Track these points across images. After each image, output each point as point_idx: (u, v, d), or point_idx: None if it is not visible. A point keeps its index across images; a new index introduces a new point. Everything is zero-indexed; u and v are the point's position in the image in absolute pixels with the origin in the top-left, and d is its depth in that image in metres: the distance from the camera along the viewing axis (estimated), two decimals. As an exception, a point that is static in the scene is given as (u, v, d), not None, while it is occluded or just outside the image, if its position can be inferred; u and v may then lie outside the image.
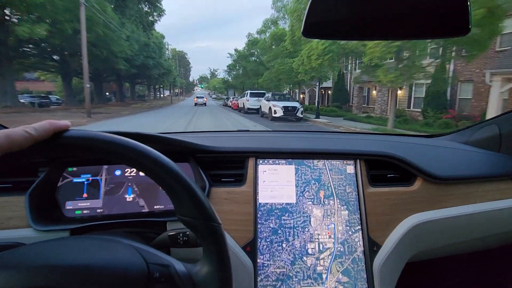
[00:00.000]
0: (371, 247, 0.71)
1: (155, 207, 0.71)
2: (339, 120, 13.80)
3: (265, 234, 0.70)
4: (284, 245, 0.70)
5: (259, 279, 0.67)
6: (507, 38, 9.82)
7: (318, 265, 0.69)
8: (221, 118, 15.07)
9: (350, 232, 0.72)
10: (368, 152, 0.78)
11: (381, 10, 0.49)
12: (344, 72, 20.07)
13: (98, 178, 0.71)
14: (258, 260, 0.68)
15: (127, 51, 19.39)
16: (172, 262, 0.39)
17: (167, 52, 44.01)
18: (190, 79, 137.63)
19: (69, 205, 0.68)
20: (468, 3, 0.47)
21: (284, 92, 20.00)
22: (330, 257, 0.70)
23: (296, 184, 0.74)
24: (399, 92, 16.00)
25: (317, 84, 15.61)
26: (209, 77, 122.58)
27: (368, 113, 16.83)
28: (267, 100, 14.37)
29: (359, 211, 0.73)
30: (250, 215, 0.70)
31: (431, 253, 0.82)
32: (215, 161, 0.76)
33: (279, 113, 12.78)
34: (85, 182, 0.70)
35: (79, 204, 0.69)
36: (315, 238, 0.71)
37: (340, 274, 0.69)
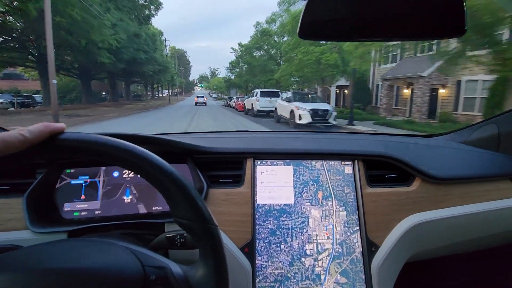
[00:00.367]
0: (370, 247, 0.70)
1: (153, 208, 0.71)
2: (375, 127, 10.47)
3: (263, 235, 0.70)
4: (282, 246, 0.70)
5: (257, 280, 0.67)
6: None
7: (317, 266, 0.69)
8: (229, 126, 11.62)
9: (348, 233, 0.72)
10: (366, 153, 0.78)
11: (379, 10, 0.50)
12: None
13: (96, 179, 0.71)
14: (256, 261, 0.68)
15: (111, 41, 15.93)
16: (168, 264, 0.39)
17: (165, 49, 41.20)
18: (190, 79, 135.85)
19: (67, 207, 0.68)
20: (464, 5, 0.47)
21: (307, 91, 16.41)
22: (328, 258, 0.70)
23: (294, 185, 0.74)
24: (442, 91, 12.92)
25: (349, 80, 12.32)
26: (209, 76, 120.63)
27: (397, 115, 14.56)
28: (287, 101, 10.93)
29: (357, 212, 0.73)
30: (248, 216, 0.70)
31: (429, 253, 0.82)
32: (213, 162, 0.76)
33: (306, 118, 9.43)
34: (83, 184, 0.70)
35: (77, 206, 0.69)
36: (313, 239, 0.71)
37: (339, 275, 0.69)
